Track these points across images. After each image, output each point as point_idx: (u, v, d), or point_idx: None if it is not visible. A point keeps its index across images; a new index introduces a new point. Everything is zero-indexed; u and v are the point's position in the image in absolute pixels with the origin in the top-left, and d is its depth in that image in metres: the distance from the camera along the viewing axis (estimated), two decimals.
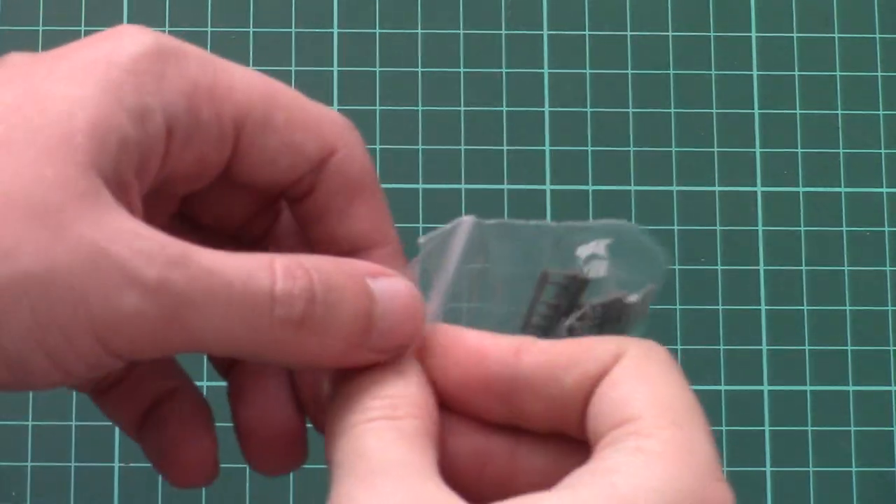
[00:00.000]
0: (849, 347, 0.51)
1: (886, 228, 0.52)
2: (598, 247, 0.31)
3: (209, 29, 0.52)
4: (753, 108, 0.52)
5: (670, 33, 0.53)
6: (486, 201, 0.51)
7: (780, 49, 0.53)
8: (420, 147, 0.52)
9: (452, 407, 0.30)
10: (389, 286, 0.30)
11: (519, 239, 0.31)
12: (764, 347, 0.51)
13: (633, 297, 0.31)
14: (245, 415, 0.33)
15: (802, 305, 0.51)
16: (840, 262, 0.52)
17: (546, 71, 0.52)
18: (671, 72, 0.53)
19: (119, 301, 0.27)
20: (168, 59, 0.29)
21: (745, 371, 0.51)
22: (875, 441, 0.50)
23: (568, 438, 0.30)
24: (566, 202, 0.51)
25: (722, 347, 0.51)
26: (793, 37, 0.53)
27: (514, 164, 0.52)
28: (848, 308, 0.51)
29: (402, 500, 0.26)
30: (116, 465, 0.49)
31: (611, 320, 0.31)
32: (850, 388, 0.51)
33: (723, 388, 0.50)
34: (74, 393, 0.48)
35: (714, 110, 0.52)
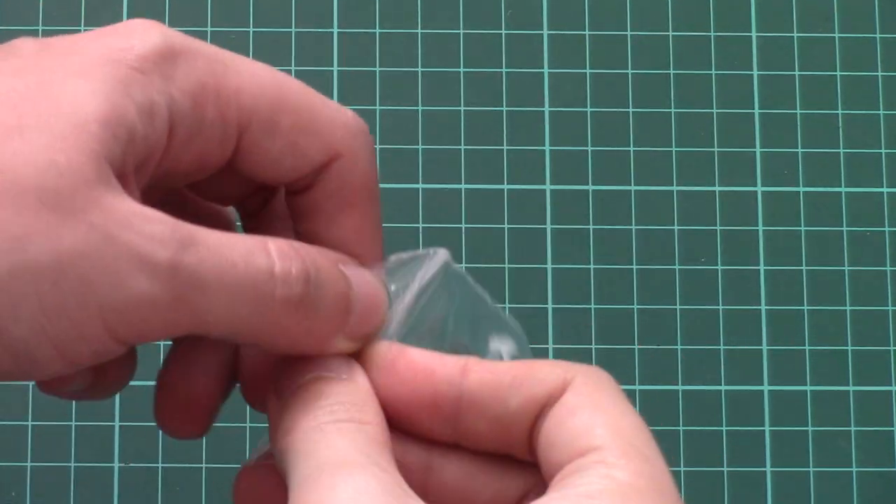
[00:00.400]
0: (849, 347, 0.51)
1: (886, 228, 0.52)
2: (503, 344, 0.32)
3: (209, 29, 0.52)
4: (753, 108, 0.52)
5: (670, 33, 0.53)
6: (486, 201, 0.51)
7: (780, 49, 0.53)
8: (420, 147, 0.52)
9: (397, 425, 0.30)
10: (359, 273, 0.30)
11: (465, 297, 0.32)
12: (764, 347, 0.51)
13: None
14: (170, 369, 0.33)
15: (802, 305, 0.51)
16: (840, 262, 0.51)
17: (546, 71, 0.52)
18: (671, 72, 0.52)
19: (129, 285, 0.27)
20: (176, 57, 0.29)
21: (745, 371, 0.50)
22: (875, 441, 0.50)
23: (511, 459, 0.30)
24: (566, 202, 0.51)
25: (722, 347, 0.51)
26: (793, 36, 0.53)
27: (514, 164, 0.52)
28: (848, 308, 0.51)
29: (380, 492, 0.27)
30: (116, 465, 0.49)
31: None
32: (851, 388, 0.51)
33: (723, 388, 0.50)
34: None
35: (714, 110, 0.52)
